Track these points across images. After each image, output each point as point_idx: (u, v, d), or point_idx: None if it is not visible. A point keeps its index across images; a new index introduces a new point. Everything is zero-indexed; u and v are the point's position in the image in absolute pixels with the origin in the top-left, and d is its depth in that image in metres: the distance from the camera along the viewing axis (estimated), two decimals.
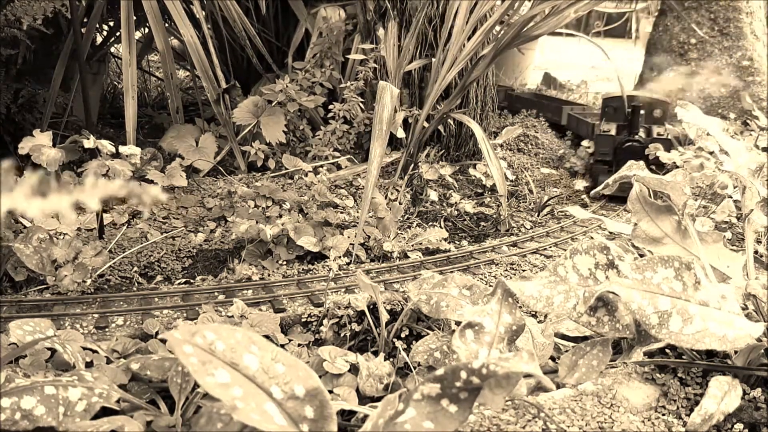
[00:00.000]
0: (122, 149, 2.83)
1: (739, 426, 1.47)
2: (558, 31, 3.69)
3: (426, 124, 3.68)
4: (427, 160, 3.65)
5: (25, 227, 2.57)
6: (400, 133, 3.55)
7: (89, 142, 2.74)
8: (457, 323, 1.62)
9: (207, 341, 1.10)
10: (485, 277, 2.74)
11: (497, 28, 3.65)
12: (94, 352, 1.83)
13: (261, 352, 1.13)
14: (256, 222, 2.78)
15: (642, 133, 3.94)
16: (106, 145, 2.80)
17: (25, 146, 2.63)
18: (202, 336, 1.10)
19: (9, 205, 0.66)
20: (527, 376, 1.36)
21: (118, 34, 4.40)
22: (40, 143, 2.65)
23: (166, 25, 3.71)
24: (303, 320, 2.26)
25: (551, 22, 3.44)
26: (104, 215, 2.92)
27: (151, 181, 3.03)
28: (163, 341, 1.87)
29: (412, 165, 3.65)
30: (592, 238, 3.01)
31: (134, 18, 3.53)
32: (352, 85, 3.70)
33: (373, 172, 2.74)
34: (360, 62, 3.80)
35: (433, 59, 3.68)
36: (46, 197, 0.67)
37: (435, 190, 3.51)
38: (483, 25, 3.53)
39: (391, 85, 2.91)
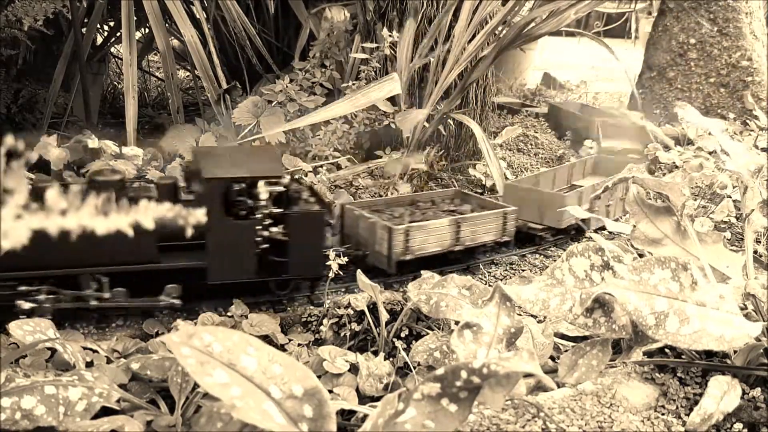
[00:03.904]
0: (125, 150, 2.84)
1: (738, 425, 1.48)
2: (563, 30, 3.69)
3: (426, 124, 3.68)
4: (427, 161, 3.66)
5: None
6: (407, 132, 3.55)
7: (93, 143, 2.75)
8: (457, 323, 1.62)
9: (204, 343, 1.11)
10: (485, 277, 2.75)
11: (498, 28, 3.65)
12: (95, 351, 1.83)
13: (258, 353, 1.14)
14: None
15: None
16: (110, 146, 2.81)
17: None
18: (200, 338, 1.11)
19: (78, 222, 0.70)
20: (527, 375, 1.36)
21: (118, 34, 4.41)
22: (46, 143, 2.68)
23: (167, 25, 3.71)
24: (303, 320, 2.26)
25: (552, 23, 3.44)
26: None
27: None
28: (163, 342, 1.87)
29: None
30: (590, 238, 3.02)
31: (135, 18, 3.53)
32: (354, 84, 3.71)
33: (316, 117, 2.81)
34: (362, 61, 3.80)
35: (432, 59, 3.68)
36: (108, 216, 0.72)
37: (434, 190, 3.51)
38: (485, 27, 3.53)
39: (398, 82, 2.96)
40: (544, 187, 3.43)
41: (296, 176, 2.93)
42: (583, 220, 3.11)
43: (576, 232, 3.22)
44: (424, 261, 2.56)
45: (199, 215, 0.77)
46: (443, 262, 2.69)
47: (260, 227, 2.11)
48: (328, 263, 2.18)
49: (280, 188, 2.14)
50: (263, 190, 2.07)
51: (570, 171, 3.81)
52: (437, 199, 3.11)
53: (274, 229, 2.13)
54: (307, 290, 2.37)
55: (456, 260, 2.75)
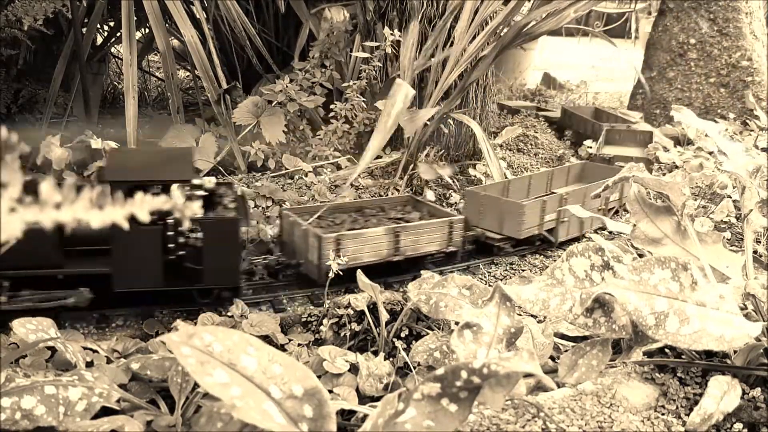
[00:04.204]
0: None
1: (738, 425, 1.48)
2: (570, 27, 3.68)
3: (427, 123, 3.68)
4: (426, 160, 3.65)
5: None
6: (410, 133, 3.54)
7: (96, 143, 2.76)
8: (457, 323, 1.62)
9: (204, 343, 1.11)
10: (485, 277, 2.75)
11: (499, 28, 3.65)
12: (95, 351, 1.83)
13: (258, 353, 1.14)
14: (257, 222, 2.78)
15: None
16: (113, 146, 2.82)
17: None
18: (200, 338, 1.11)
19: (72, 216, 0.70)
20: (527, 375, 1.36)
21: (118, 34, 4.41)
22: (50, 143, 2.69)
23: (167, 25, 3.71)
24: (303, 320, 2.27)
25: (551, 22, 3.44)
26: None
27: None
28: (164, 342, 1.87)
29: (412, 165, 3.65)
30: (590, 238, 3.02)
31: (135, 18, 3.54)
32: (354, 84, 3.71)
33: (367, 159, 2.75)
34: (363, 61, 3.80)
35: (433, 59, 3.68)
36: (104, 209, 0.72)
37: (434, 190, 3.52)
38: (486, 27, 3.53)
39: (407, 85, 2.93)
40: (516, 194, 3.26)
41: (227, 180, 2.86)
42: (549, 231, 2.99)
43: (542, 243, 3.04)
44: (363, 271, 2.35)
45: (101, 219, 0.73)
46: (383, 272, 2.54)
47: (172, 233, 2.02)
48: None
49: (200, 192, 2.08)
50: (176, 195, 2.01)
51: (549, 178, 3.62)
52: (387, 205, 2.97)
53: (189, 236, 2.04)
54: (229, 301, 2.23)
55: (398, 271, 2.60)
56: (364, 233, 2.46)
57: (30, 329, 1.68)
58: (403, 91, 2.86)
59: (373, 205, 2.96)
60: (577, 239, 3.12)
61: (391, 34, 3.57)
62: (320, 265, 2.36)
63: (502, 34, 3.54)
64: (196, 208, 0.79)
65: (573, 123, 4.92)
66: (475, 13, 3.51)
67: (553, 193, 3.44)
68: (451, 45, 3.56)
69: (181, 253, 2.07)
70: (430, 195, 3.44)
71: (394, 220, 2.77)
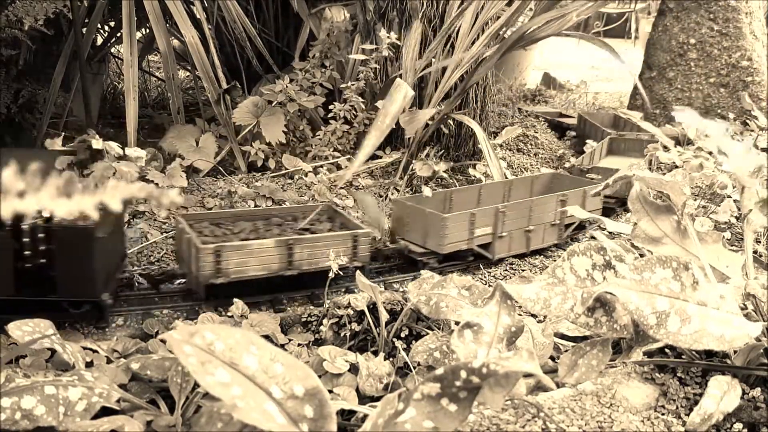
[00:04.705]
0: (128, 151, 2.85)
1: (738, 425, 1.48)
2: (564, 33, 3.66)
3: (429, 122, 3.68)
4: (421, 158, 3.65)
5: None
6: (410, 133, 3.54)
7: (97, 143, 2.76)
8: (457, 323, 1.62)
9: (206, 341, 1.10)
10: (485, 277, 2.75)
11: (501, 30, 3.65)
12: (95, 351, 1.83)
13: (260, 352, 1.14)
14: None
15: None
16: (114, 147, 2.82)
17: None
18: (201, 336, 1.11)
19: (37, 205, 0.67)
20: (527, 375, 1.36)
21: (119, 34, 4.41)
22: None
23: (167, 25, 3.71)
24: (303, 320, 2.27)
25: (554, 25, 3.44)
26: None
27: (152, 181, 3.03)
28: (163, 341, 1.87)
29: (412, 164, 3.65)
30: (592, 238, 3.02)
31: (135, 18, 3.54)
32: (353, 85, 3.71)
33: (361, 157, 2.73)
34: (362, 62, 3.80)
35: (434, 63, 3.68)
36: (72, 198, 0.68)
37: (432, 188, 3.51)
38: (488, 29, 3.53)
39: (407, 85, 2.92)
40: (462, 206, 2.95)
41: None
42: (485, 247, 2.78)
43: (475, 259, 2.79)
44: (251, 285, 2.30)
45: None
46: (279, 287, 2.38)
47: (28, 240, 1.90)
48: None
49: None
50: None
51: (507, 188, 3.31)
52: (300, 214, 2.75)
53: (45, 244, 1.93)
54: (97, 314, 2.10)
55: (296, 286, 2.42)
56: (249, 245, 2.28)
57: (26, 331, 1.68)
58: (402, 91, 2.85)
59: (285, 213, 2.74)
60: (523, 256, 2.91)
61: (388, 36, 3.57)
62: (198, 277, 2.22)
63: (504, 36, 3.54)
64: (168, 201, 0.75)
65: (586, 130, 4.79)
66: (478, 15, 3.52)
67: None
68: (453, 48, 3.56)
69: (41, 261, 1.94)
70: (426, 191, 3.38)
71: (299, 231, 2.56)
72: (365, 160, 2.85)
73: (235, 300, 2.17)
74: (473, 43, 3.54)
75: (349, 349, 2.00)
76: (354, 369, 1.81)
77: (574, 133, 4.96)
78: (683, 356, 1.68)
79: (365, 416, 1.37)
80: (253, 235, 2.49)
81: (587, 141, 4.51)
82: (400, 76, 3.55)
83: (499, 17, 3.53)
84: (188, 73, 5.50)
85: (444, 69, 3.59)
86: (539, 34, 3.50)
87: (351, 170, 2.73)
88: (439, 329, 2.03)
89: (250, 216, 2.69)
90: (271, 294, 2.38)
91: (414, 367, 1.85)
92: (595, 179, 3.49)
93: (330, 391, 1.74)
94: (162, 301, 2.34)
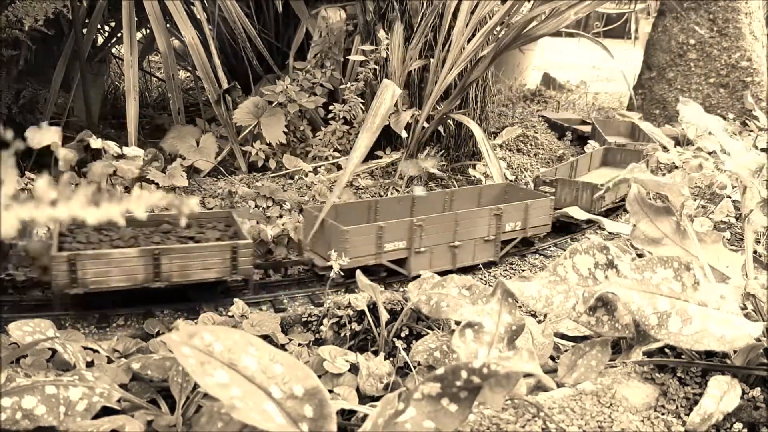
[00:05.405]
0: (127, 151, 2.85)
1: (738, 425, 1.48)
2: (561, 31, 3.65)
3: (426, 125, 3.69)
4: (413, 158, 3.64)
5: (26, 227, 2.57)
6: (404, 133, 3.55)
7: (96, 143, 2.76)
8: (457, 323, 1.62)
9: (205, 343, 1.11)
10: (485, 277, 2.75)
11: (497, 28, 3.65)
12: (95, 351, 1.83)
13: (259, 352, 1.14)
14: (257, 222, 2.78)
15: None
16: (113, 147, 2.82)
17: (32, 137, 2.62)
18: (200, 338, 1.11)
19: (69, 213, 0.70)
20: (527, 375, 1.36)
21: (119, 34, 4.41)
22: (47, 135, 2.68)
23: (168, 26, 3.72)
24: (303, 320, 2.27)
25: (551, 24, 3.44)
26: None
27: (153, 182, 3.03)
28: (164, 341, 1.87)
29: (399, 164, 3.65)
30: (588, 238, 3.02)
31: (135, 19, 3.54)
32: (352, 86, 3.71)
33: (355, 159, 2.72)
34: (360, 63, 3.81)
35: (432, 59, 3.68)
36: (100, 206, 0.71)
37: (431, 189, 3.51)
38: (484, 27, 3.53)
39: (394, 84, 2.92)
40: (388, 217, 2.75)
41: None
42: (401, 263, 2.59)
43: (388, 275, 2.58)
44: (118, 296, 2.18)
45: None
46: (155, 299, 2.24)
47: None
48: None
49: None
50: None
51: (448, 199, 3.05)
52: (206, 221, 2.59)
53: None
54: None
55: (176, 299, 2.28)
56: (109, 254, 2.13)
57: (27, 331, 1.68)
58: (389, 90, 2.87)
59: (188, 219, 2.55)
60: (449, 272, 2.42)
61: (386, 37, 3.57)
62: (55, 286, 2.10)
63: (500, 34, 3.54)
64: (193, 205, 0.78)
65: (595, 138, 4.68)
66: (472, 12, 3.52)
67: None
68: (449, 45, 3.56)
69: None
70: (419, 191, 3.35)
71: (182, 240, 2.42)
72: (360, 162, 2.85)
73: (235, 300, 2.17)
74: (468, 41, 3.54)
75: (350, 348, 2.00)
76: (354, 369, 1.82)
77: (570, 135, 4.95)
78: (683, 356, 1.68)
79: (365, 416, 1.37)
80: (131, 243, 2.35)
81: (584, 148, 4.48)
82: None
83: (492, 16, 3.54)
84: (188, 74, 5.50)
85: (442, 68, 3.60)
86: (536, 32, 3.50)
87: (346, 173, 2.72)
88: (439, 329, 2.03)
89: (146, 223, 2.51)
90: (145, 306, 2.24)
91: (414, 367, 1.85)
92: (547, 192, 3.24)
93: (330, 391, 1.74)
94: (20, 310, 2.18)
